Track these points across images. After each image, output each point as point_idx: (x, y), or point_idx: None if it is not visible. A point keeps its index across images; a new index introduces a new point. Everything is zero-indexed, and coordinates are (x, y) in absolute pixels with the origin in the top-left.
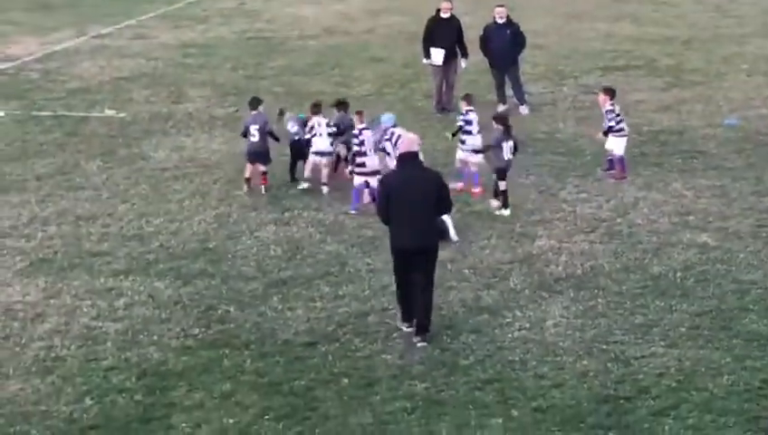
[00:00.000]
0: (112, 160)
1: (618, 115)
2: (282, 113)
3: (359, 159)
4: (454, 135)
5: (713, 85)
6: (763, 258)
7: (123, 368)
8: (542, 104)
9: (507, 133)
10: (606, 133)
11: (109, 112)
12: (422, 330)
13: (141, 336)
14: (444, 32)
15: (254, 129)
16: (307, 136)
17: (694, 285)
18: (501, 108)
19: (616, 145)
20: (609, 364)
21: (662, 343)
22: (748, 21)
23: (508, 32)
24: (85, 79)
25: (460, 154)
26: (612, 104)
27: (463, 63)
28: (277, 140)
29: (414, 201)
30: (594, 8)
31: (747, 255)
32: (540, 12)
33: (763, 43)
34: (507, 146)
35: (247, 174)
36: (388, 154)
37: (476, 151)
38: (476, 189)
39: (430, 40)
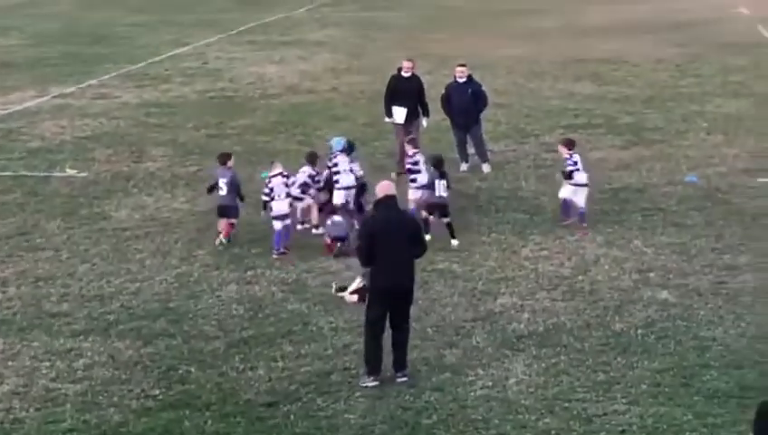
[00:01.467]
0: (73, 220)
1: (575, 163)
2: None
3: (271, 204)
4: (399, 174)
5: (673, 143)
6: (722, 315)
7: (82, 430)
8: (504, 162)
9: (440, 173)
10: (567, 177)
11: (70, 172)
12: (401, 366)
13: (101, 398)
14: (405, 90)
15: (222, 182)
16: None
17: (655, 342)
18: (463, 166)
19: (565, 190)
20: (571, 422)
21: (624, 401)
22: (707, 80)
23: (469, 90)
24: (46, 138)
25: (413, 195)
26: (571, 154)
27: (424, 122)
28: (242, 199)
29: (396, 243)
30: (555, 67)
31: (707, 311)
32: (501, 71)
33: (722, 102)
34: (440, 184)
35: (220, 228)
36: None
37: (426, 187)
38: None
39: (392, 99)
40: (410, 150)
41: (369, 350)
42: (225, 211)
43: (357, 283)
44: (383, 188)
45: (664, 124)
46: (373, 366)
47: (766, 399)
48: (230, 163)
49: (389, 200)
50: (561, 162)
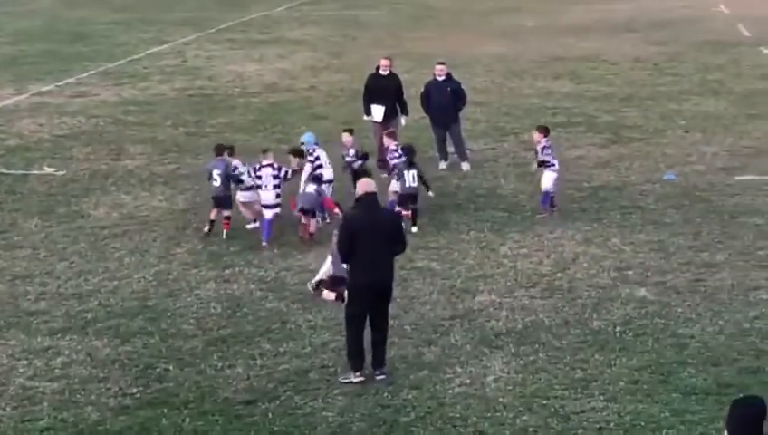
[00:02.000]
0: (51, 218)
1: (551, 152)
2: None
3: (259, 192)
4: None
5: (651, 142)
6: (700, 312)
7: (59, 428)
8: (483, 161)
9: (410, 162)
10: (540, 164)
11: (48, 170)
12: (380, 364)
13: (78, 396)
14: (383, 88)
15: (216, 173)
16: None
17: (633, 340)
18: (442, 165)
19: (544, 179)
20: (548, 419)
21: (602, 398)
22: (685, 79)
23: (449, 89)
24: (24, 137)
25: (394, 187)
26: (548, 141)
27: (403, 121)
28: (240, 182)
29: (376, 240)
30: (534, 66)
31: (685, 309)
32: (480, 69)
33: (700, 100)
34: (409, 174)
35: (212, 216)
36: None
37: (396, 178)
38: (408, 212)
39: (370, 97)
40: (392, 144)
41: (351, 346)
42: (220, 202)
43: (328, 263)
44: (363, 185)
45: (642, 122)
46: (356, 362)
47: (740, 396)
48: (225, 154)
49: (370, 197)
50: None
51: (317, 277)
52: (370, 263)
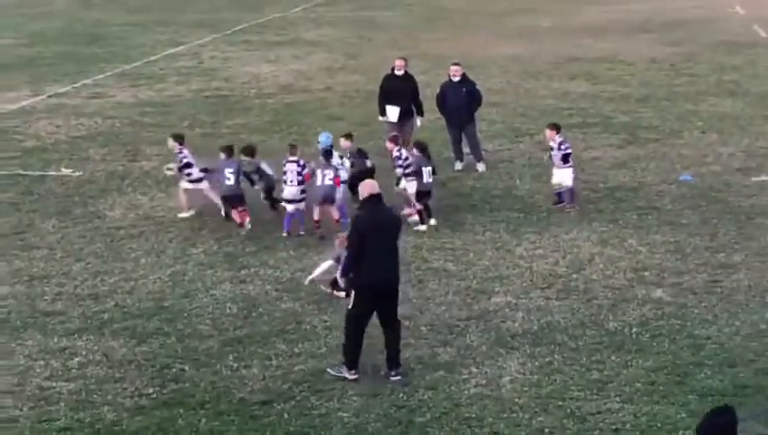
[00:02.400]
0: (68, 219)
1: (568, 147)
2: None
3: (283, 186)
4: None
5: (667, 142)
6: (717, 314)
7: (76, 428)
8: (498, 161)
9: (426, 159)
10: (564, 158)
11: (65, 171)
12: (395, 364)
13: (95, 396)
14: (398, 89)
15: (228, 172)
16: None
17: (649, 341)
18: (458, 165)
19: (566, 176)
20: (564, 421)
21: (618, 399)
22: (702, 79)
23: (464, 90)
24: (41, 138)
25: (411, 188)
26: (560, 136)
27: (418, 121)
28: (252, 183)
29: (385, 241)
30: (550, 66)
31: (702, 310)
32: (496, 70)
33: (717, 101)
34: (426, 171)
35: (234, 216)
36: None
37: (413, 175)
38: (411, 210)
39: (385, 98)
40: (395, 150)
41: (350, 344)
42: (232, 200)
43: (327, 264)
44: (368, 186)
45: (659, 123)
46: (353, 360)
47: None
48: (234, 157)
49: (375, 198)
50: (553, 163)
51: (313, 275)
52: (376, 263)
